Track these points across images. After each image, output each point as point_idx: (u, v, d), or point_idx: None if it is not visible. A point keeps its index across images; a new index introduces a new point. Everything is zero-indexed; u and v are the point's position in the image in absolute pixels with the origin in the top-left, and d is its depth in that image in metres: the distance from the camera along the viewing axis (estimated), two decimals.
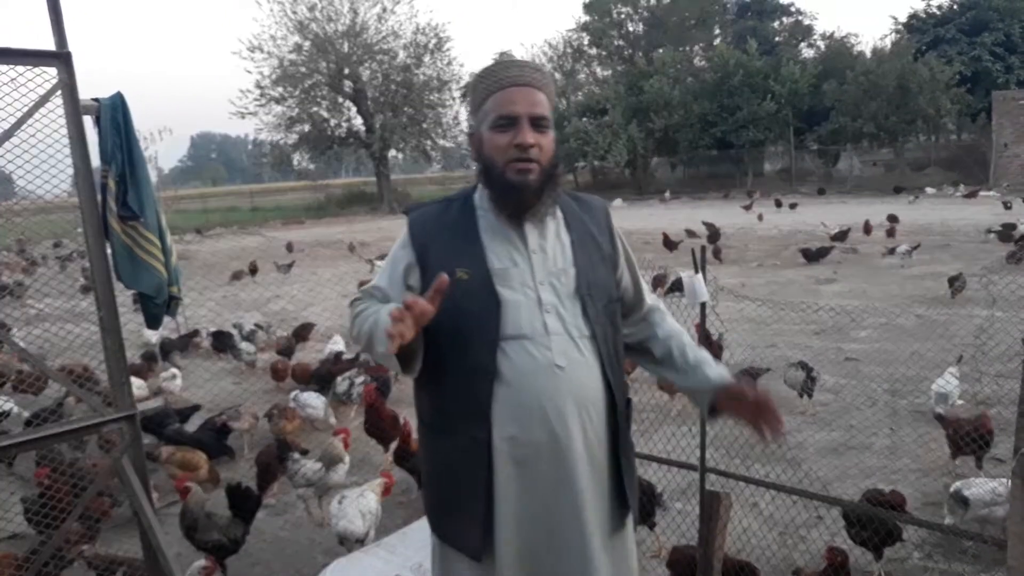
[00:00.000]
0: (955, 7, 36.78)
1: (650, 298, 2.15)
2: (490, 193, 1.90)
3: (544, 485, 1.84)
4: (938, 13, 37.55)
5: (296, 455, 4.80)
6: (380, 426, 5.47)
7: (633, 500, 2.03)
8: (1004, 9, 34.54)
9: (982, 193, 26.33)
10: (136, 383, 6.32)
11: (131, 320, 4.28)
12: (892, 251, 13.72)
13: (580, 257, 1.93)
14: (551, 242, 1.92)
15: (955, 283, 9.80)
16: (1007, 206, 20.94)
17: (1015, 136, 30.11)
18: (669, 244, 15.78)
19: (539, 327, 1.84)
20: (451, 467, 1.90)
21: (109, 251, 3.32)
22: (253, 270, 15.66)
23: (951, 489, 3.95)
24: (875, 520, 3.57)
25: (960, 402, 5.63)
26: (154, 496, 4.13)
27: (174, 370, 7.63)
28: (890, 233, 16.21)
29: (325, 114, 40.76)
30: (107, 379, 3.36)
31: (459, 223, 1.93)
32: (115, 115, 3.26)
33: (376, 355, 1.85)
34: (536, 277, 1.87)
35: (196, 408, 6.41)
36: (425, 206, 2.02)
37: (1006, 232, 14.19)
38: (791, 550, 3.98)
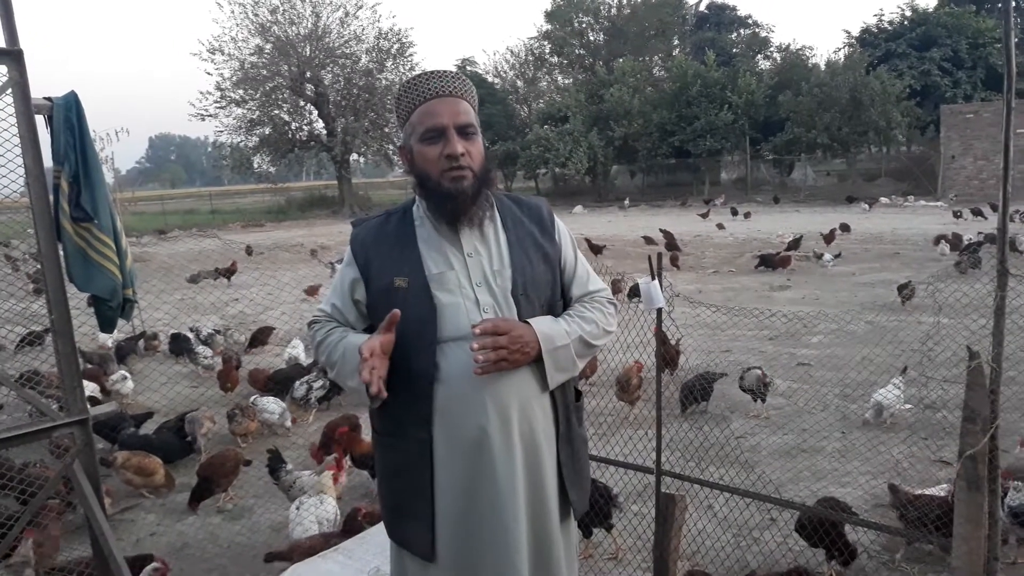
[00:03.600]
0: (905, 23, 37.72)
1: (592, 284, 2.15)
2: (427, 203, 1.97)
3: (474, 482, 1.88)
4: (889, 28, 38.47)
5: (289, 467, 4.75)
6: (365, 459, 5.40)
7: (576, 494, 2.07)
8: (952, 26, 35.54)
9: (924, 202, 27.22)
10: (90, 387, 6.22)
11: (85, 323, 4.20)
12: (820, 257, 13.97)
13: (517, 257, 1.99)
14: (488, 244, 1.99)
15: (904, 290, 10.06)
16: (957, 215, 21.55)
17: (962, 148, 30.96)
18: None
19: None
20: (399, 471, 1.97)
21: (61, 253, 3.27)
22: (230, 272, 15.51)
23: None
24: (826, 524, 3.65)
25: (908, 406, 5.77)
26: (107, 502, 4.07)
27: (123, 372, 7.51)
28: (828, 240, 16.47)
29: (286, 117, 40.35)
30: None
31: (397, 234, 1.99)
32: (68, 115, 3.22)
33: (346, 387, 2.00)
34: (472, 279, 1.93)
35: (150, 414, 6.32)
36: (367, 221, 2.09)
37: (956, 241, 14.59)
38: (745, 551, 4.05)
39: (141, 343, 9.34)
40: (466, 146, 1.90)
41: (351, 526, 3.86)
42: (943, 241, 14.72)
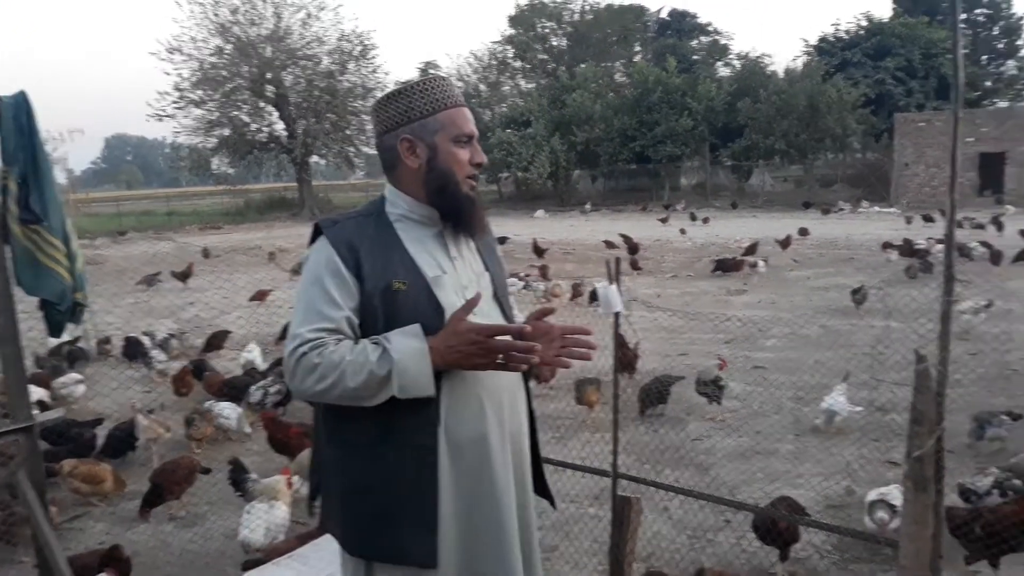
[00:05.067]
0: (861, 32, 38.58)
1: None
2: (439, 202, 1.93)
3: (475, 482, 1.89)
4: (845, 37, 39.29)
5: (254, 476, 4.67)
6: (287, 442, 5.45)
7: (548, 487, 2.16)
8: (905, 36, 36.44)
9: (878, 209, 27.87)
10: (37, 392, 6.08)
11: (33, 327, 4.11)
12: (754, 265, 14.03)
13: (490, 263, 2.05)
14: (465, 250, 2.01)
15: (857, 295, 10.26)
16: (908, 220, 22.09)
17: (915, 156, 31.71)
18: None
19: None
20: (394, 478, 1.86)
21: (9, 256, 3.19)
22: (185, 275, 15.26)
23: (869, 498, 4.06)
24: (778, 525, 3.71)
25: (858, 409, 5.89)
26: (53, 511, 3.98)
27: (75, 375, 7.36)
28: (784, 246, 16.75)
29: (246, 118, 39.85)
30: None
31: (379, 236, 1.93)
32: (18, 114, 3.16)
33: (388, 394, 1.77)
34: (462, 281, 1.95)
35: (99, 421, 6.19)
36: (340, 222, 1.97)
37: (907, 247, 14.93)
38: (699, 553, 4.09)
39: (91, 345, 9.16)
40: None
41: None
42: (889, 248, 14.97)
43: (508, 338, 1.78)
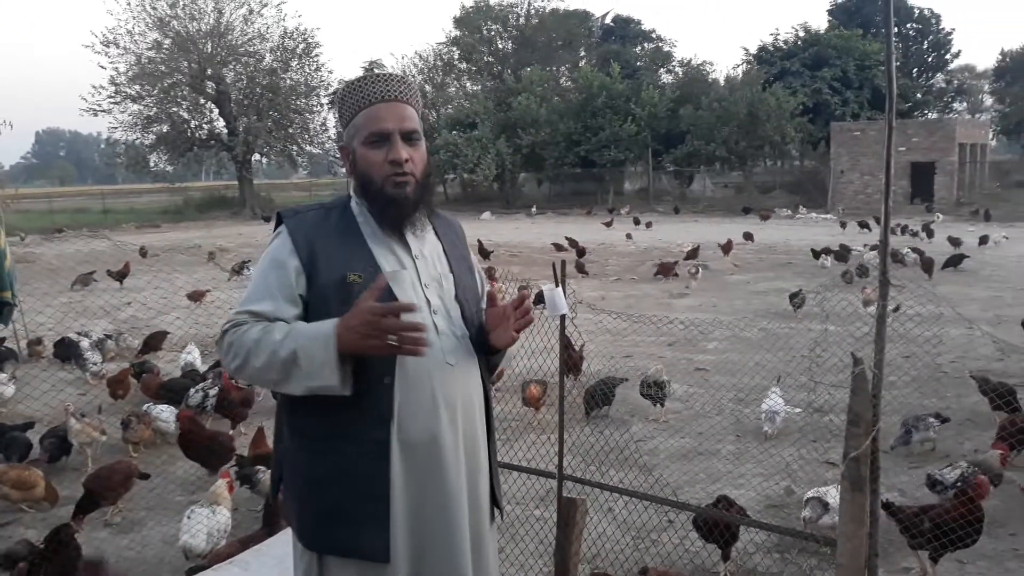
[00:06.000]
0: (799, 43, 39.59)
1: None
2: (369, 206, 1.94)
3: (426, 481, 1.89)
4: (784, 47, 40.27)
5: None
6: (233, 406, 5.82)
7: (499, 494, 2.13)
8: (841, 48, 37.54)
9: (815, 215, 28.76)
10: None
11: None
12: (695, 273, 14.08)
13: (455, 264, 2.04)
14: (428, 249, 2.01)
15: (795, 299, 10.50)
16: (843, 226, 22.75)
17: (850, 163, 32.67)
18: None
19: (430, 327, 1.89)
20: (347, 474, 1.86)
21: None
22: (121, 275, 14.81)
23: (808, 496, 4.16)
24: (720, 524, 3.77)
25: (797, 410, 6.02)
26: None
27: (3, 375, 7.10)
28: (726, 250, 17.09)
29: (185, 115, 39.05)
30: None
31: (341, 230, 1.94)
32: None
33: (295, 387, 1.78)
34: (422, 280, 1.95)
35: (30, 424, 5.98)
36: (301, 212, 2.00)
37: (842, 253, 15.35)
38: (643, 553, 4.14)
39: (21, 346, 8.85)
40: (410, 152, 1.90)
41: (272, 520, 3.78)
42: (823, 256, 15.29)
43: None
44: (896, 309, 8.89)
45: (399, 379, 1.85)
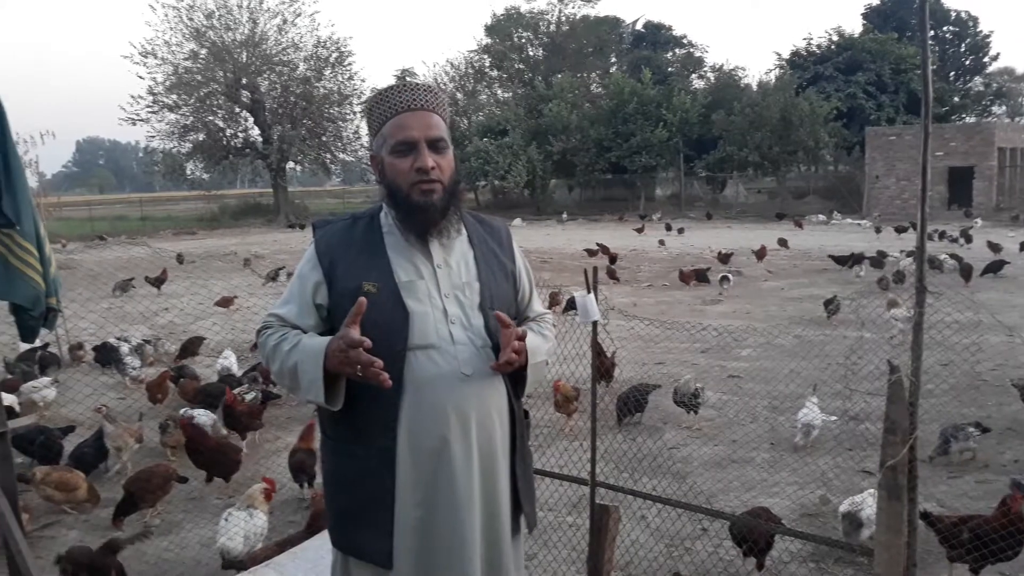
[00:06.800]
0: (832, 47, 39.12)
1: (539, 307, 2.26)
2: (396, 213, 1.97)
3: (434, 491, 1.89)
4: (817, 52, 39.82)
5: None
6: (238, 419, 5.88)
7: (528, 506, 2.10)
8: (876, 52, 37.03)
9: (850, 221, 28.45)
10: (7, 399, 5.98)
11: (4, 332, 4.06)
12: (726, 282, 13.76)
13: (484, 273, 2.03)
14: (456, 257, 2.01)
15: (830, 305, 10.38)
16: (878, 231, 22.42)
17: (885, 169, 32.20)
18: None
19: (446, 336, 1.92)
20: (357, 478, 1.94)
21: None
22: (159, 281, 15.07)
23: (843, 511, 4.09)
24: (755, 533, 3.74)
25: (833, 418, 5.95)
26: (25, 519, 3.92)
27: (46, 379, 7.25)
28: (760, 256, 16.93)
29: (221, 123, 39.63)
30: None
31: (365, 239, 1.99)
32: None
33: (301, 396, 1.94)
34: (441, 290, 1.96)
35: (71, 428, 6.10)
36: (332, 223, 2.06)
37: (878, 259, 15.14)
38: (677, 561, 4.12)
39: (63, 351, 9.04)
40: (437, 160, 1.92)
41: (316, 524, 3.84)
42: (857, 265, 15.01)
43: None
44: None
45: (407, 388, 1.87)
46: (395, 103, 1.94)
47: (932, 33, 43.85)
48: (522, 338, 1.91)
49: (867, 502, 3.96)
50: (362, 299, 1.79)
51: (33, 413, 6.28)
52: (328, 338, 1.85)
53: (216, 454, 5.18)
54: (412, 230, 1.96)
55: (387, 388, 1.78)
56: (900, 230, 21.66)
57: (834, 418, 5.97)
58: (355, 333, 1.76)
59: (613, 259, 16.95)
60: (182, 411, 6.30)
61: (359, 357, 1.74)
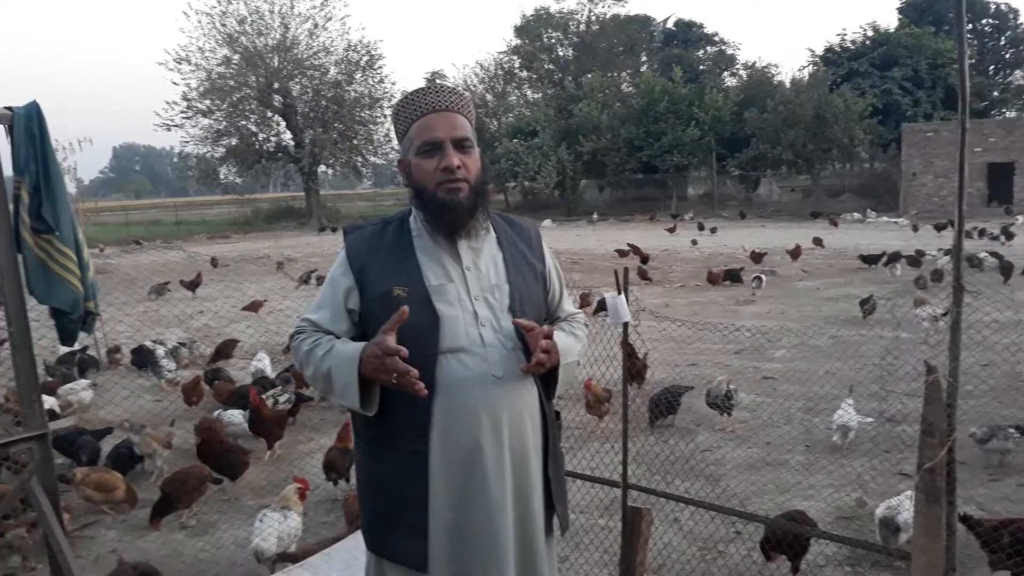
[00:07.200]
0: (867, 42, 38.54)
1: (570, 307, 2.24)
2: (424, 215, 1.98)
3: (467, 493, 1.90)
4: (852, 47, 39.26)
5: None
6: (264, 424, 5.87)
7: (561, 508, 2.10)
8: (912, 47, 36.41)
9: (886, 219, 28.00)
10: (48, 401, 6.10)
11: (44, 336, 4.13)
12: (758, 283, 13.58)
13: (513, 274, 2.02)
14: (485, 260, 2.01)
15: (866, 305, 10.22)
16: (915, 228, 22.05)
17: (922, 166, 31.62)
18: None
19: (476, 339, 1.92)
20: (390, 481, 1.96)
21: (21, 265, 3.21)
22: (194, 284, 15.28)
23: (879, 516, 4.00)
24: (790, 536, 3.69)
25: (869, 419, 5.86)
26: (65, 518, 4.00)
27: (84, 381, 7.38)
28: (795, 256, 16.74)
29: (253, 128, 40.16)
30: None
31: (395, 244, 2.00)
32: (30, 124, 3.18)
33: (337, 402, 1.97)
34: (471, 292, 1.96)
35: (109, 430, 6.21)
36: (362, 228, 2.07)
37: (915, 258, 14.87)
38: (710, 564, 4.08)
39: (101, 354, 9.19)
40: (463, 159, 1.93)
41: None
42: (893, 264, 14.71)
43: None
44: (945, 314, 8.62)
45: (439, 391, 1.88)
46: (420, 105, 1.95)
47: (970, 26, 43.13)
48: (550, 336, 1.91)
49: (904, 505, 3.89)
50: (404, 308, 1.79)
51: (72, 415, 6.40)
52: (362, 344, 1.86)
53: (228, 453, 5.24)
54: (440, 231, 1.96)
55: (422, 396, 1.78)
56: (939, 228, 21.27)
57: (870, 420, 5.88)
58: (391, 341, 1.77)
59: (645, 259, 16.88)
60: (216, 412, 6.38)
61: (395, 365, 1.74)
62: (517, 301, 1.99)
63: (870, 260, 15.56)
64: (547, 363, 1.91)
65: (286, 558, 3.83)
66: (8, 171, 3.17)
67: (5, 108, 3.14)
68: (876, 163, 38.81)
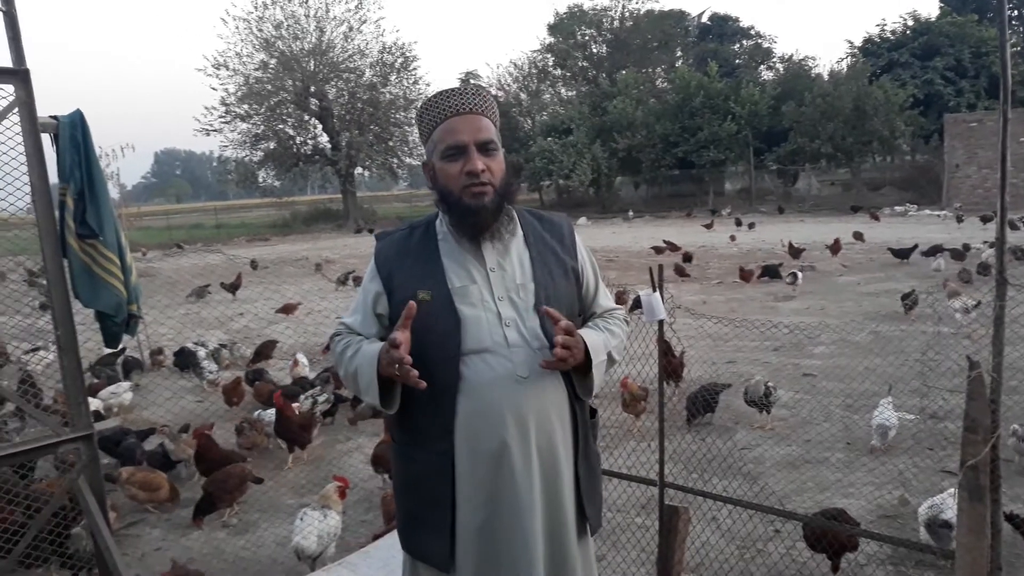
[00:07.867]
0: (908, 32, 37.79)
1: (606, 302, 2.21)
2: (449, 218, 1.99)
3: (494, 494, 1.90)
4: (892, 38, 38.52)
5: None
6: (289, 428, 5.82)
7: (592, 508, 2.08)
8: (954, 35, 35.61)
9: (928, 212, 27.46)
10: (95, 403, 6.25)
11: (90, 339, 4.24)
12: (794, 281, 13.36)
13: (540, 273, 2.01)
14: (510, 259, 2.01)
15: (907, 300, 10.04)
16: (960, 220, 21.58)
17: (966, 157, 30.92)
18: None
19: (500, 340, 1.92)
20: (418, 481, 1.99)
21: (67, 270, 3.30)
22: (234, 287, 15.55)
23: (925, 516, 3.93)
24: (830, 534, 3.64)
25: (910, 416, 5.76)
26: (111, 517, 4.09)
27: (125, 383, 7.53)
28: (834, 251, 16.50)
29: (291, 131, 40.64)
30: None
31: (421, 248, 2.02)
32: (74, 132, 3.26)
33: (363, 398, 2.00)
34: (495, 293, 1.96)
35: (152, 431, 6.33)
36: (391, 234, 2.11)
37: (960, 251, 14.56)
38: (749, 563, 4.04)
39: (143, 356, 9.38)
40: (487, 162, 1.92)
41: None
42: (937, 256, 14.43)
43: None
44: (977, 305, 8.43)
45: (463, 392, 1.90)
46: (443, 108, 1.95)
47: (1015, 12, 42.09)
48: (570, 332, 1.86)
49: (948, 503, 3.82)
50: (412, 304, 1.82)
51: (117, 416, 6.54)
52: (380, 344, 1.93)
53: (226, 463, 5.14)
54: (465, 234, 1.97)
55: (421, 390, 1.81)
56: (985, 220, 20.78)
57: (912, 416, 5.78)
58: (397, 335, 1.80)
59: (688, 257, 16.73)
60: (256, 413, 6.48)
61: (394, 356, 1.79)
62: (543, 300, 1.97)
63: (901, 255, 15.30)
64: (568, 359, 1.86)
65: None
66: (54, 178, 3.26)
67: (50, 117, 3.22)
68: (918, 155, 38.07)
